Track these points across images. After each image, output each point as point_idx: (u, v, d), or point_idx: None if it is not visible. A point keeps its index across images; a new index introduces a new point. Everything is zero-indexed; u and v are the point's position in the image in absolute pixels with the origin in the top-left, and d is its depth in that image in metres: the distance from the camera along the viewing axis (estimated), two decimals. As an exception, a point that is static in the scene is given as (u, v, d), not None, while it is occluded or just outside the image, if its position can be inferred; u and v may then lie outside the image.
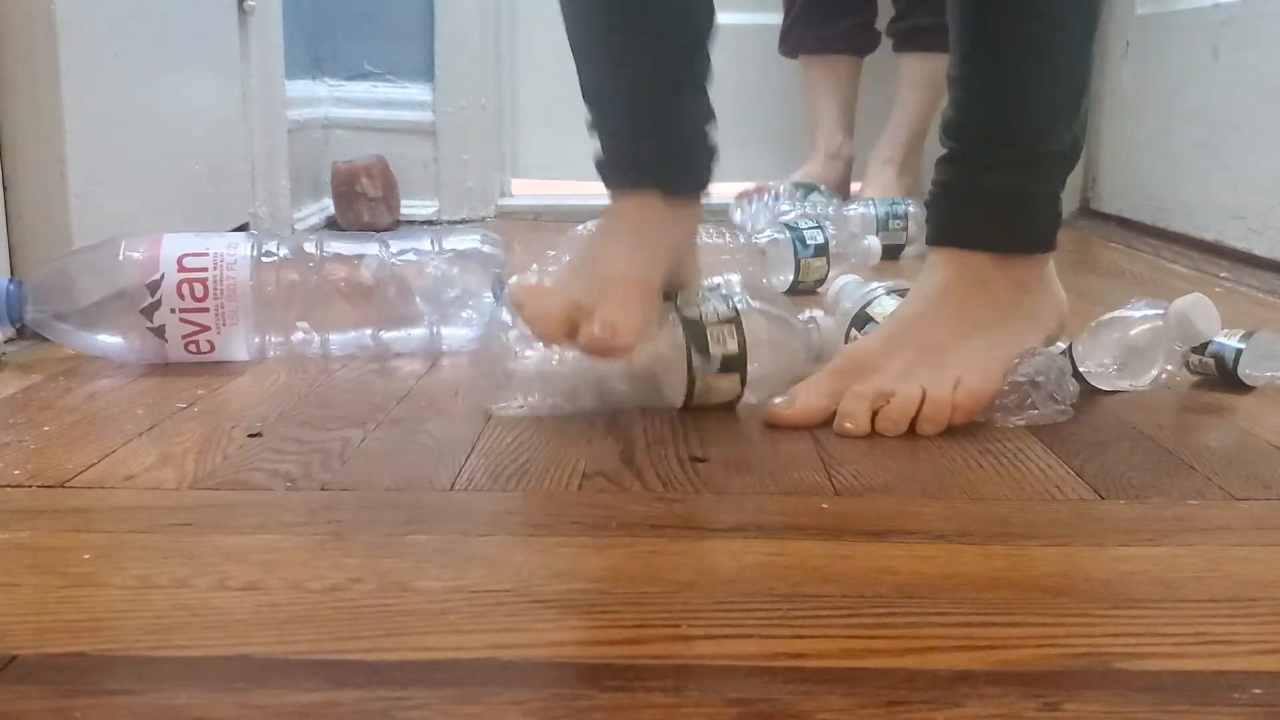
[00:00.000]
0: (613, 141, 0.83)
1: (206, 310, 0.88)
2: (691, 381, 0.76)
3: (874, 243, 1.31)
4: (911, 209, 1.46)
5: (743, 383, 0.77)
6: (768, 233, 1.25)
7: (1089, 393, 0.80)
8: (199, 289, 0.88)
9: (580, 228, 1.15)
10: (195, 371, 0.88)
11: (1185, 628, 0.48)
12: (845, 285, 0.98)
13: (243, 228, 1.42)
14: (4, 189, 0.94)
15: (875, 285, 0.93)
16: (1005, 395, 0.76)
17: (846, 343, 0.88)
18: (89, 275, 0.89)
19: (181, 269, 0.88)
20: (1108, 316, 0.82)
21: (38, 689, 0.42)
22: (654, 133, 0.82)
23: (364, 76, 1.98)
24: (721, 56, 0.82)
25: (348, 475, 0.65)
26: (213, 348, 0.89)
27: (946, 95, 0.81)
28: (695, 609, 0.49)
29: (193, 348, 0.89)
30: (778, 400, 0.76)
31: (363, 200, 1.82)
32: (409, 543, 0.56)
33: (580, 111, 0.83)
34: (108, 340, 0.89)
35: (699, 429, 0.75)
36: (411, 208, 1.96)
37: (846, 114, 1.78)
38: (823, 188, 1.63)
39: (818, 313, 0.83)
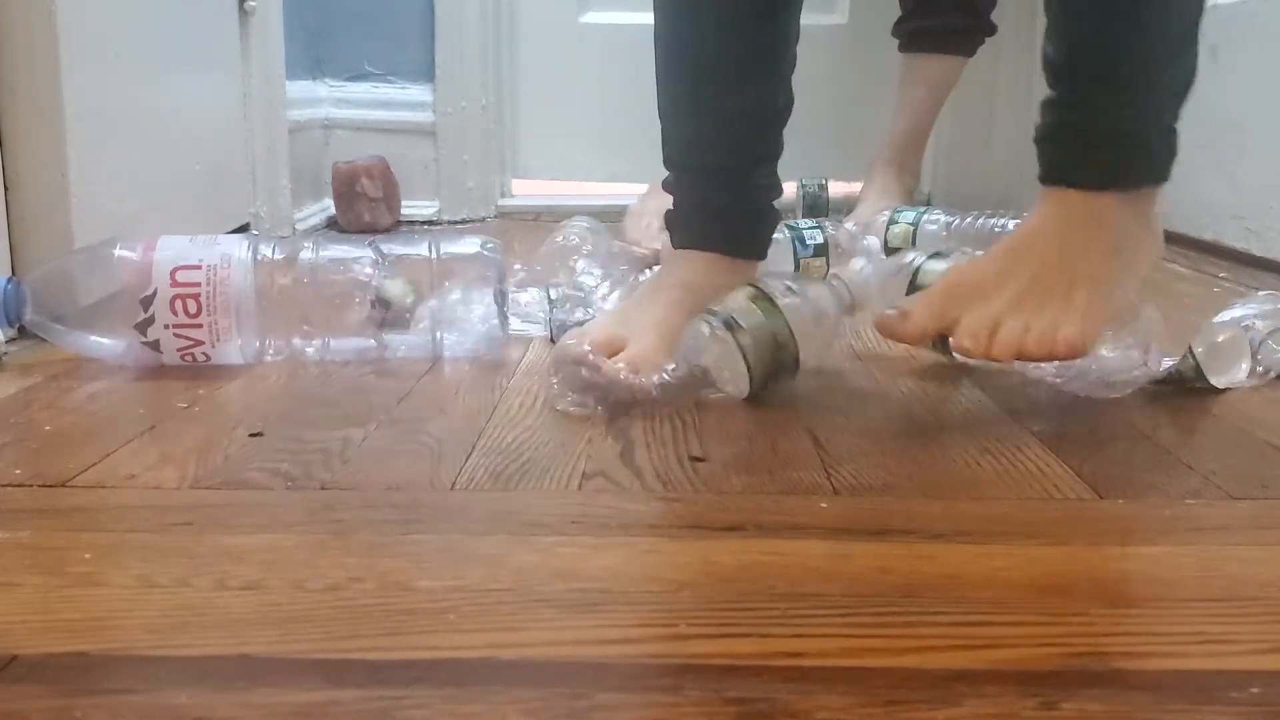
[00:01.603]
0: (689, 204, 0.90)
1: (200, 326, 0.87)
2: (757, 357, 0.79)
3: (873, 242, 1.31)
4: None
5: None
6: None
7: (1209, 392, 0.82)
8: (192, 305, 0.87)
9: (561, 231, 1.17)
10: (196, 372, 0.88)
11: (1183, 627, 0.48)
12: (863, 272, 0.97)
13: (243, 228, 1.42)
14: (5, 189, 0.94)
15: (908, 258, 0.93)
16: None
17: None
18: (85, 277, 0.89)
19: (174, 284, 0.87)
20: (1220, 318, 0.86)
21: (39, 688, 0.42)
22: (729, 202, 0.89)
23: (364, 77, 1.98)
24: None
25: (348, 475, 0.65)
26: (208, 358, 0.89)
27: (1046, 40, 0.80)
28: (694, 608, 0.49)
29: (188, 358, 0.89)
30: (889, 311, 0.78)
31: (363, 201, 1.82)
32: (409, 542, 0.56)
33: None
34: (103, 343, 0.88)
35: (699, 429, 0.75)
36: (412, 208, 1.96)
37: None
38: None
39: (839, 270, 0.85)
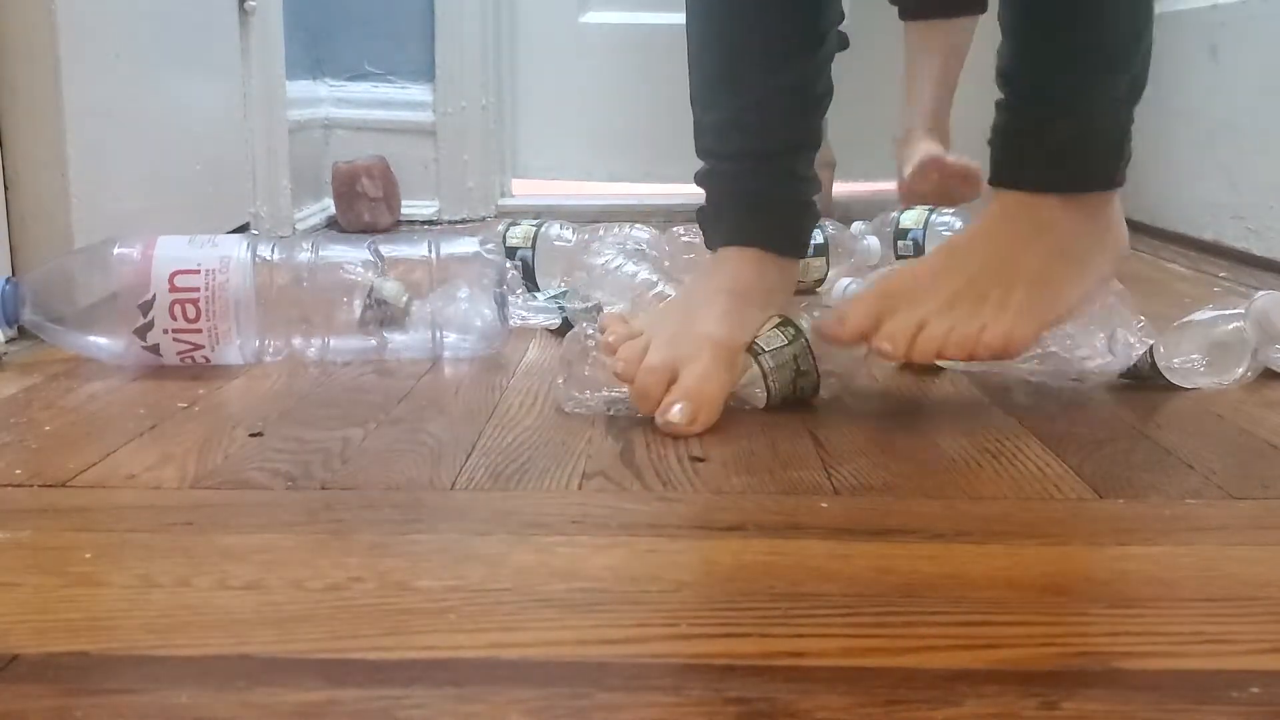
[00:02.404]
0: (725, 194, 0.85)
1: (199, 330, 0.87)
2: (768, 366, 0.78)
3: (873, 243, 1.31)
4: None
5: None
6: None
7: (1166, 389, 0.82)
8: (190, 310, 0.86)
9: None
10: (196, 371, 0.88)
11: (1183, 626, 0.48)
12: (849, 288, 0.98)
13: (243, 227, 1.42)
14: (5, 189, 0.94)
15: None
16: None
17: None
18: (83, 278, 0.88)
19: (173, 289, 0.86)
20: (1188, 318, 0.86)
21: (39, 688, 0.42)
22: (768, 191, 0.84)
23: (364, 77, 1.98)
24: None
25: (348, 475, 0.65)
26: (208, 361, 0.89)
27: (1000, 47, 0.81)
28: (695, 608, 0.49)
29: (188, 360, 0.89)
30: (827, 318, 0.78)
31: (363, 200, 1.82)
32: (409, 542, 0.56)
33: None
34: (102, 343, 0.88)
35: (699, 429, 0.75)
36: (412, 208, 1.96)
37: None
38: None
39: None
